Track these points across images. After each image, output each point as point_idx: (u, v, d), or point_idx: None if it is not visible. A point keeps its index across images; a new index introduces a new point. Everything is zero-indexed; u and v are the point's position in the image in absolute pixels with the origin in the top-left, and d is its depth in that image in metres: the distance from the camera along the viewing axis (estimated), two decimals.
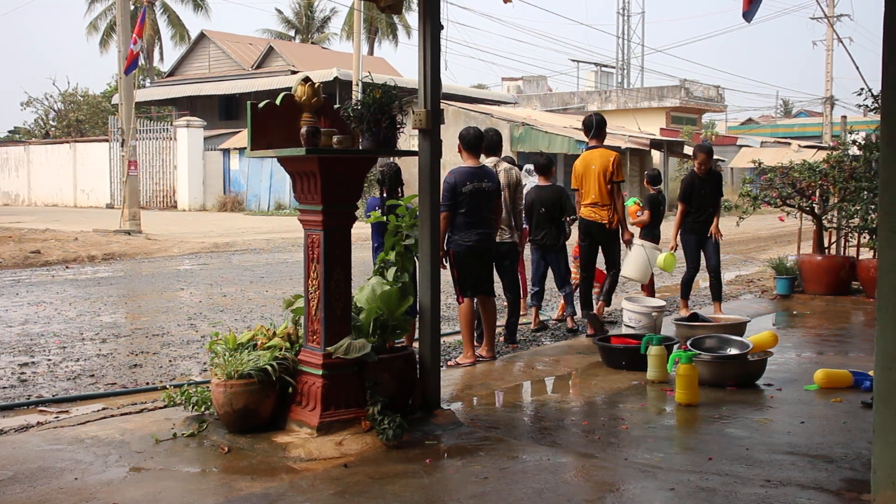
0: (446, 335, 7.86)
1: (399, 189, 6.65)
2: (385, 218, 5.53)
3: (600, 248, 8.11)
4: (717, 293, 9.10)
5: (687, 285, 9.22)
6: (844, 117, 44.21)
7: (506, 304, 7.84)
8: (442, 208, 6.57)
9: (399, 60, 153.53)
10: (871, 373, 5.30)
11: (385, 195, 6.56)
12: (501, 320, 7.86)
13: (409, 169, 7.38)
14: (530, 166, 9.07)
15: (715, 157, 39.73)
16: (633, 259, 8.44)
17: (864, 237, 10.88)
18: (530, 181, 8.77)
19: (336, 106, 5.10)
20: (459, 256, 6.72)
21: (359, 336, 4.81)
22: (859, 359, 6.88)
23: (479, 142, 6.86)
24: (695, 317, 7.62)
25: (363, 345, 4.71)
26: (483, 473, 4.21)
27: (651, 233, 9.54)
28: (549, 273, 8.46)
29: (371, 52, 48.58)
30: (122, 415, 5.31)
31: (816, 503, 3.84)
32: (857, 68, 12.67)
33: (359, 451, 4.49)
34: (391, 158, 6.81)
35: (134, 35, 19.36)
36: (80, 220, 23.57)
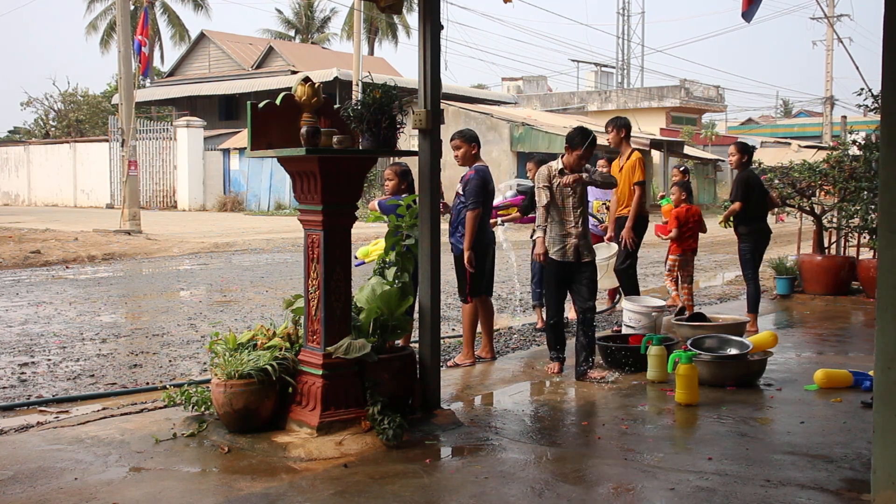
0: (445, 337, 7.85)
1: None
2: (385, 217, 5.54)
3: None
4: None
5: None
6: (844, 117, 44.25)
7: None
8: (473, 206, 6.50)
9: (399, 60, 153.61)
10: (871, 373, 5.30)
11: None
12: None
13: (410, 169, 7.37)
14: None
15: (715, 157, 39.71)
16: None
17: (864, 237, 10.89)
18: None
19: (336, 106, 5.10)
20: (477, 256, 6.66)
21: (359, 336, 4.82)
22: (859, 359, 6.88)
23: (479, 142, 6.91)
24: (696, 317, 7.62)
25: (363, 345, 4.71)
26: (483, 473, 4.21)
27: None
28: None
29: (371, 52, 48.59)
30: (122, 415, 5.31)
31: (816, 503, 3.84)
32: (857, 68, 12.73)
33: (359, 451, 4.49)
34: (394, 159, 6.80)
35: (141, 37, 19.32)
36: (80, 220, 23.58)
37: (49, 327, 8.63)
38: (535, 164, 8.60)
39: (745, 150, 8.28)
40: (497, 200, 8.40)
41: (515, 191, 8.89)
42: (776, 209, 9.92)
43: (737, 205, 8.10)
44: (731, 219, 8.30)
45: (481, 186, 6.53)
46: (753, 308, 8.25)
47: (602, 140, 8.37)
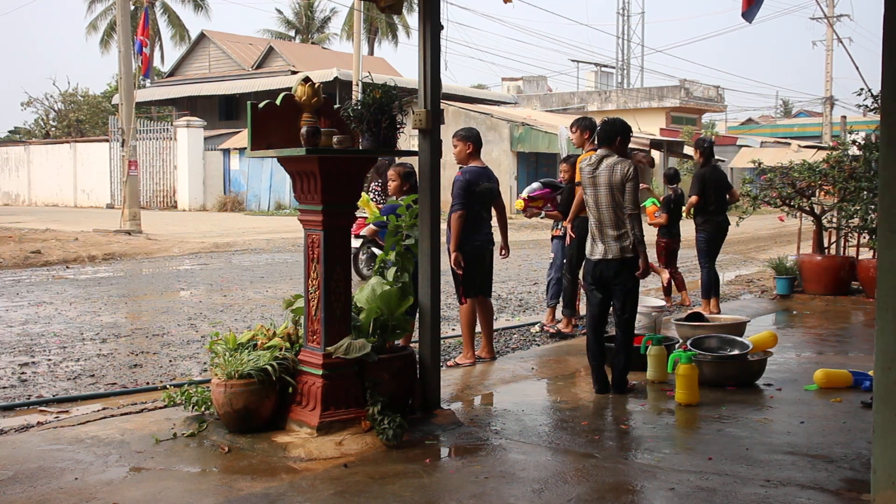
0: (445, 337, 7.85)
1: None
2: (385, 218, 5.54)
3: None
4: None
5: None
6: (844, 117, 44.21)
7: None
8: (457, 207, 6.55)
9: (399, 60, 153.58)
10: (870, 373, 5.30)
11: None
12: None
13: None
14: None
15: (715, 156, 39.90)
16: None
17: (864, 237, 10.88)
18: None
19: (336, 106, 5.10)
20: (469, 256, 6.67)
21: (359, 336, 4.82)
22: (859, 359, 6.89)
23: (481, 143, 6.89)
24: (695, 316, 7.62)
25: (363, 345, 4.71)
26: (483, 473, 4.22)
27: (669, 232, 9.65)
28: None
29: (371, 52, 48.59)
30: (122, 415, 5.31)
31: (816, 503, 3.84)
32: (857, 68, 12.71)
33: (359, 451, 4.49)
34: (398, 159, 6.80)
35: (142, 37, 19.32)
36: (81, 220, 23.57)
37: (49, 327, 8.63)
38: (569, 166, 8.33)
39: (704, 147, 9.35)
40: (524, 193, 8.59)
41: (540, 183, 8.85)
42: (736, 204, 10.42)
43: (693, 198, 9.06)
44: (692, 211, 9.25)
45: (465, 188, 6.55)
46: (706, 294, 9.14)
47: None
